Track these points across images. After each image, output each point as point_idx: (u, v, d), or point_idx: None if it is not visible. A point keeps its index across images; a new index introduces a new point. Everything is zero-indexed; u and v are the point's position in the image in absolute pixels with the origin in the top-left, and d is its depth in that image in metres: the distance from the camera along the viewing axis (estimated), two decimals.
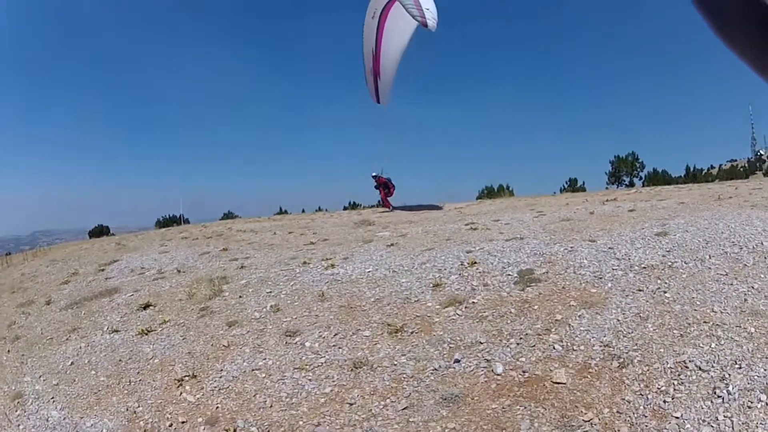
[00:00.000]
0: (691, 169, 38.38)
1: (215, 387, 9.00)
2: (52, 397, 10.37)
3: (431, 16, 20.42)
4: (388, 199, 27.57)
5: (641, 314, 8.09)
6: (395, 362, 8.27)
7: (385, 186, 27.18)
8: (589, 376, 6.90)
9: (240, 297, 12.73)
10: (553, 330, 8.18)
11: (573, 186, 36.62)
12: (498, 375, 7.33)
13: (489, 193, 34.60)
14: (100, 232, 42.11)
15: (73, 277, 19.00)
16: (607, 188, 34.62)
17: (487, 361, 7.72)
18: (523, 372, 7.27)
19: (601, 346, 7.48)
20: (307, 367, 8.79)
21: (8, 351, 13.36)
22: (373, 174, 27.34)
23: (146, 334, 11.80)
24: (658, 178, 37.39)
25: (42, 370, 11.63)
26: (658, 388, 6.36)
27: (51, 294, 17.02)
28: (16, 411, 10.32)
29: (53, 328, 14.00)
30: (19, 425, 9.84)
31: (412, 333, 9.05)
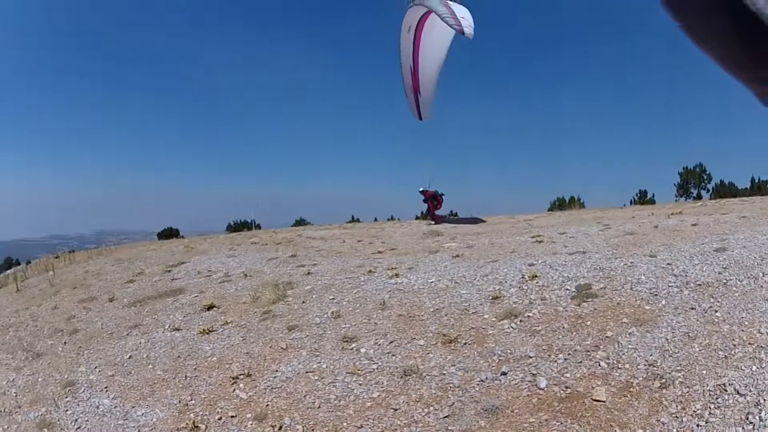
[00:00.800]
0: (756, 181, 37.04)
1: (268, 386, 9.32)
2: (106, 387, 10.86)
3: (467, 24, 20.40)
4: (437, 212, 27.55)
5: (690, 333, 8.06)
6: (444, 372, 8.45)
7: (433, 198, 27.04)
8: (629, 395, 6.92)
9: (303, 302, 13.07)
10: (601, 347, 8.23)
11: (642, 198, 36.00)
12: (541, 389, 7.44)
13: (560, 204, 34.56)
14: (169, 234, 43.19)
15: (139, 276, 19.71)
16: (675, 200, 33.81)
17: (533, 375, 7.83)
18: (566, 388, 7.36)
19: (645, 365, 7.47)
20: (359, 372, 9.06)
21: (65, 342, 14.03)
22: (420, 189, 27.14)
23: (207, 334, 12.26)
24: (725, 191, 36.35)
25: (98, 362, 12.19)
26: (694, 411, 6.34)
27: (114, 292, 17.82)
28: (66, 398, 10.80)
29: (114, 323, 14.60)
30: (66, 410, 10.29)
31: (465, 344, 9.20)
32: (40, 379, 12.11)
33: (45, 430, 9.78)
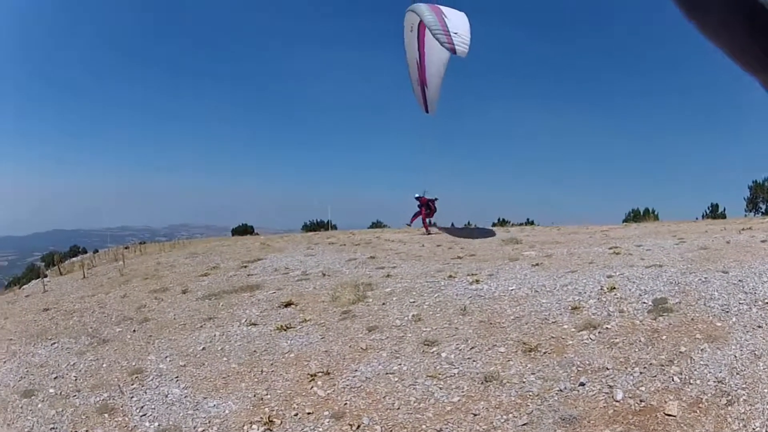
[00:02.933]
0: None
1: (347, 385, 9.76)
2: (177, 377, 11.40)
3: (461, 41, 20.39)
4: (428, 219, 28.12)
5: (756, 352, 8.49)
6: (524, 380, 8.88)
7: (427, 206, 27.56)
8: (698, 411, 7.39)
9: (383, 304, 13.54)
10: (675, 362, 8.65)
11: (714, 212, 35.52)
12: (617, 401, 7.86)
13: (635, 216, 34.88)
14: (243, 230, 43.96)
15: (214, 270, 20.36)
16: (745, 215, 33.28)
17: (610, 387, 8.24)
18: (640, 401, 7.78)
19: (715, 381, 7.94)
20: (440, 375, 9.48)
21: (134, 330, 14.63)
22: (416, 195, 27.75)
23: (285, 330, 12.82)
24: None
25: (169, 352, 12.76)
26: (753, 429, 6.83)
27: (188, 284, 18.36)
28: (132, 385, 11.28)
29: (187, 315, 15.00)
30: (132, 397, 10.76)
31: (544, 353, 9.66)
32: (104, 365, 12.56)
33: (106, 415, 10.16)
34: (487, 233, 26.97)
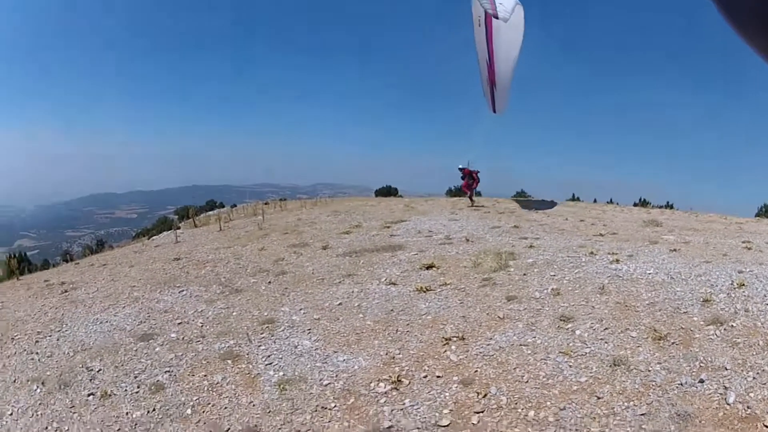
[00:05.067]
0: None
1: (480, 353, 10.23)
2: (309, 329, 12.25)
3: (504, 9, 21.77)
4: (473, 189, 29.74)
5: None
6: (650, 368, 9.03)
7: (470, 177, 28.96)
8: None
9: (524, 275, 14.00)
10: None
11: None
12: (727, 405, 7.86)
13: (767, 210, 34.24)
14: (387, 192, 44.91)
15: (356, 229, 21.54)
16: None
17: (725, 388, 8.23)
18: (747, 407, 7.74)
19: None
20: (571, 353, 9.83)
21: (269, 282, 15.58)
22: (460, 167, 29.11)
23: (424, 292, 13.68)
24: None
25: (304, 305, 13.83)
26: None
27: (329, 241, 19.56)
28: (262, 334, 12.17)
29: (326, 270, 15.90)
30: (259, 346, 11.55)
31: (672, 344, 9.79)
32: (234, 314, 13.66)
33: (229, 361, 10.91)
34: (548, 204, 29.48)
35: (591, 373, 9.01)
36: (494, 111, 28.89)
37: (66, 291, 16.84)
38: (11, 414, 9.60)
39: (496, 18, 22.22)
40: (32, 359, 11.80)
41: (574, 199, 38.71)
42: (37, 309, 15.11)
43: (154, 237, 31.20)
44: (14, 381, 10.80)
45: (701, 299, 11.44)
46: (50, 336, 12.99)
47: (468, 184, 29.58)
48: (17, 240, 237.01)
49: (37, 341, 12.73)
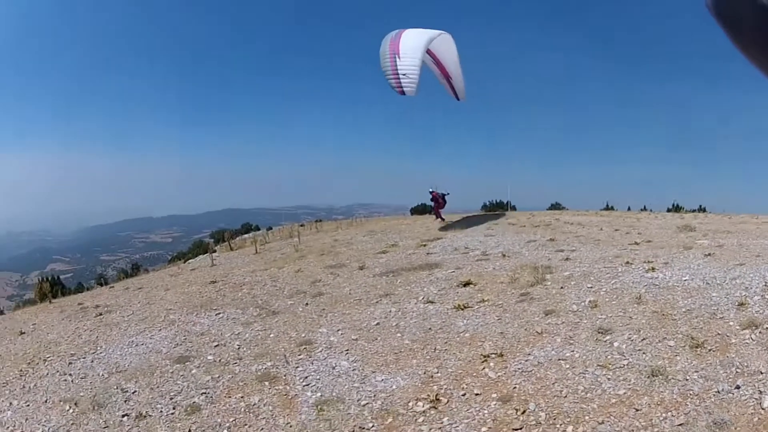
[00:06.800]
0: None
1: (518, 369, 10.28)
2: (347, 350, 12.40)
3: (408, 81, 23.28)
4: (440, 211, 33.22)
5: None
6: (687, 377, 9.05)
7: (435, 201, 32.03)
8: None
9: (561, 288, 14.07)
10: None
11: None
12: (762, 409, 7.84)
13: None
14: (422, 210, 45.08)
15: (392, 248, 21.80)
16: None
17: (760, 393, 8.22)
18: None
19: None
20: (610, 365, 9.86)
21: (306, 304, 15.76)
22: (430, 189, 31.73)
23: (462, 310, 13.88)
24: None
25: (341, 325, 14.04)
26: None
27: (365, 261, 19.76)
28: (299, 355, 12.33)
29: (363, 290, 16.03)
30: (297, 367, 11.68)
31: (709, 350, 9.85)
32: (271, 335, 13.86)
33: (266, 382, 11.00)
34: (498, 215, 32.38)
35: (629, 385, 9.01)
36: (458, 99, 32.43)
37: (101, 314, 17.32)
38: None
39: (402, 94, 23.91)
40: (65, 380, 11.99)
41: (608, 208, 39.53)
42: (70, 331, 15.55)
43: (189, 260, 31.81)
44: (45, 401, 10.98)
45: (736, 303, 11.58)
46: (84, 358, 13.28)
47: (437, 206, 32.47)
48: (50, 264, 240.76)
49: (70, 363, 13.00)
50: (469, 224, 28.86)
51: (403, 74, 23.45)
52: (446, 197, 33.41)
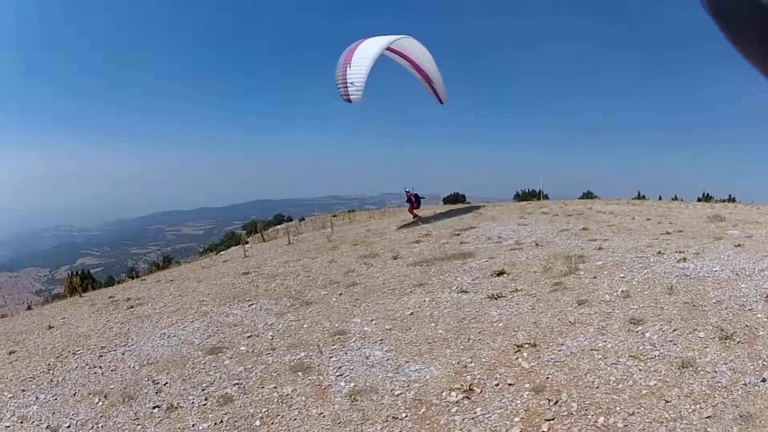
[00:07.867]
0: None
1: (551, 359, 10.38)
2: (381, 339, 12.55)
3: (354, 89, 24.35)
4: (415, 211, 33.02)
5: None
6: (716, 369, 9.12)
7: (409, 201, 31.97)
8: None
9: (594, 278, 14.21)
10: None
11: None
12: None
13: None
14: (455, 199, 45.66)
15: (426, 238, 22.09)
16: None
17: None
18: None
19: None
20: (641, 356, 9.94)
21: (340, 294, 15.98)
22: (406, 189, 32.64)
23: (496, 299, 14.01)
24: None
25: (375, 315, 14.19)
26: None
27: (399, 250, 19.98)
28: (333, 345, 12.50)
29: (397, 280, 16.28)
30: (330, 357, 11.85)
31: (738, 342, 9.88)
32: (305, 326, 14.03)
33: (299, 373, 11.17)
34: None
35: (660, 376, 9.09)
36: (441, 102, 33.09)
37: (132, 306, 17.64)
38: (68, 426, 9.91)
39: (349, 102, 24.81)
40: (95, 373, 12.25)
41: (639, 197, 39.52)
42: (101, 324, 15.88)
43: (221, 252, 31.99)
44: (74, 395, 11.21)
45: (764, 295, 11.64)
46: (114, 350, 13.55)
47: (412, 206, 32.54)
48: (79, 258, 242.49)
49: (100, 356, 13.28)
50: (503, 213, 28.97)
51: (351, 83, 24.49)
52: (421, 199, 33.59)
